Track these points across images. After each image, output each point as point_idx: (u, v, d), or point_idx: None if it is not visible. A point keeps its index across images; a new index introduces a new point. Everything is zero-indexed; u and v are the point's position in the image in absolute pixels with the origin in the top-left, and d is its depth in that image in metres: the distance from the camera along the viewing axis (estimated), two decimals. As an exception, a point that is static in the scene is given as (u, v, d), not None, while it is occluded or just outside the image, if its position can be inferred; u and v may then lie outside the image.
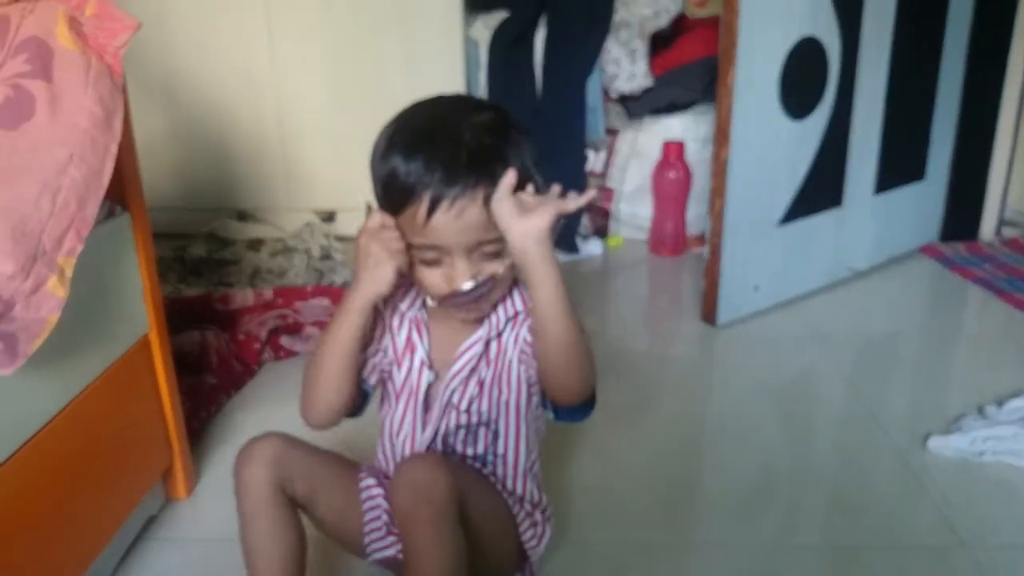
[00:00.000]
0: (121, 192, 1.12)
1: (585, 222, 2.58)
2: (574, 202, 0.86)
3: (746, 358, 1.83)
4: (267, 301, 1.90)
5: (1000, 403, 1.54)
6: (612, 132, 2.56)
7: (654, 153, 2.48)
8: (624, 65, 2.42)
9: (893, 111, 2.15)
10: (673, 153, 2.43)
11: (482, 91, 2.51)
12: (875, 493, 1.34)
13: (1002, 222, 2.52)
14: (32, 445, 0.92)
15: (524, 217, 0.83)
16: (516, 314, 0.95)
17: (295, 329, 1.83)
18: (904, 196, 2.31)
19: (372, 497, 0.99)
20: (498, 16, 2.52)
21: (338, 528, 1.00)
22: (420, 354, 0.97)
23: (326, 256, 2.34)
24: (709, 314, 1.97)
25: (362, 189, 0.95)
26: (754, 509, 1.31)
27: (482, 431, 0.99)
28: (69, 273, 0.90)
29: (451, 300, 0.90)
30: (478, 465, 1.01)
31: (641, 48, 2.42)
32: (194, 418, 1.48)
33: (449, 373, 0.96)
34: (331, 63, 2.44)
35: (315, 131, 2.50)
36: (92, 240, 0.94)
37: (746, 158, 1.85)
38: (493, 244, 0.87)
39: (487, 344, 0.95)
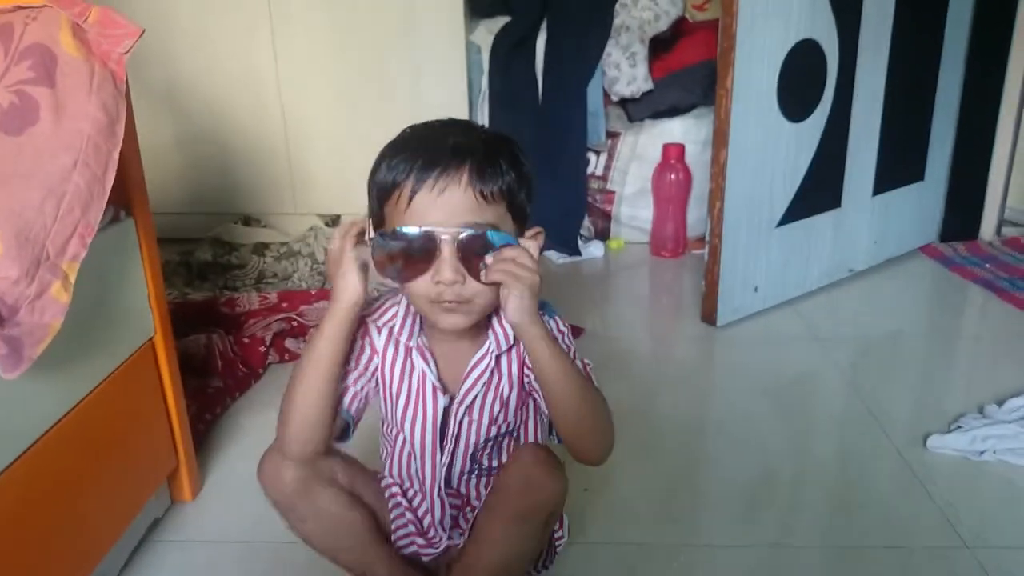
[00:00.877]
0: (126, 197, 1.14)
1: (587, 224, 2.60)
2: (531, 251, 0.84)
3: (746, 358, 1.84)
4: (272, 305, 1.91)
5: (1000, 402, 1.54)
6: (613, 135, 2.57)
7: (654, 156, 2.49)
8: (624, 68, 2.43)
9: (892, 112, 2.15)
10: (673, 155, 2.44)
11: (484, 95, 2.52)
12: (875, 492, 1.35)
13: (1002, 222, 2.53)
14: (37, 448, 0.93)
15: (509, 299, 0.82)
16: None
17: (300, 332, 1.84)
18: (903, 197, 2.31)
19: (393, 496, 1.00)
20: (500, 21, 2.53)
21: (375, 516, 1.00)
22: (431, 379, 0.93)
23: (329, 260, 2.35)
24: (709, 315, 1.97)
25: (367, 194, 0.93)
26: (755, 509, 1.32)
27: (507, 441, 0.98)
28: (73, 278, 0.91)
29: (437, 299, 0.85)
30: (496, 473, 1.00)
31: (641, 52, 2.43)
32: (199, 421, 1.49)
33: (461, 392, 0.93)
34: (335, 68, 2.45)
35: (319, 136, 2.52)
36: (97, 245, 0.95)
37: (745, 160, 1.86)
38: (479, 229, 0.83)
39: (498, 359, 0.93)
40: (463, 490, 0.99)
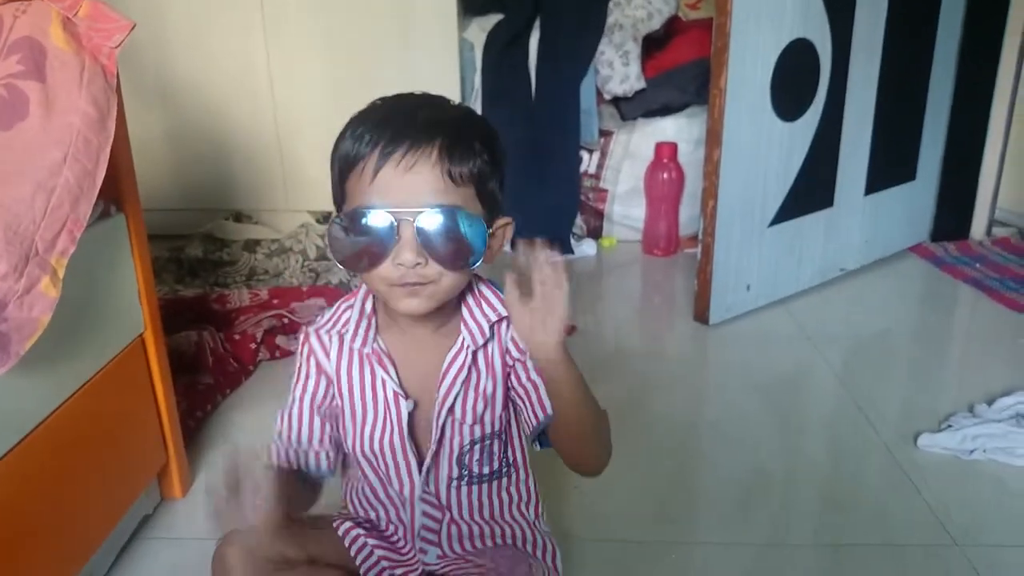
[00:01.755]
0: (116, 193, 1.13)
1: (579, 223, 2.60)
2: (558, 275, 0.76)
3: (738, 357, 1.84)
4: (263, 301, 1.91)
5: (990, 401, 1.55)
6: (606, 134, 2.57)
7: (647, 154, 2.50)
8: (617, 67, 2.43)
9: (884, 112, 2.16)
10: (666, 154, 2.44)
11: (477, 92, 2.52)
12: (866, 491, 1.35)
13: (992, 222, 2.54)
14: (27, 444, 0.93)
15: (539, 333, 0.76)
16: (500, 319, 0.86)
17: (291, 329, 1.84)
18: (895, 196, 2.32)
19: (355, 539, 0.94)
20: (493, 19, 2.53)
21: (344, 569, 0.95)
22: (391, 385, 0.86)
23: (322, 257, 2.35)
24: (701, 313, 1.98)
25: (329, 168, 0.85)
26: (746, 506, 1.32)
27: (496, 444, 0.92)
28: (62, 273, 0.90)
29: (398, 281, 0.78)
30: (495, 483, 0.94)
31: (634, 50, 2.43)
32: (190, 417, 1.49)
33: (440, 394, 0.86)
34: (327, 64, 2.45)
35: (311, 132, 2.51)
36: (87, 240, 0.94)
37: (738, 159, 1.86)
38: (444, 211, 0.77)
39: (474, 355, 0.87)
40: (446, 500, 0.92)
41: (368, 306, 0.87)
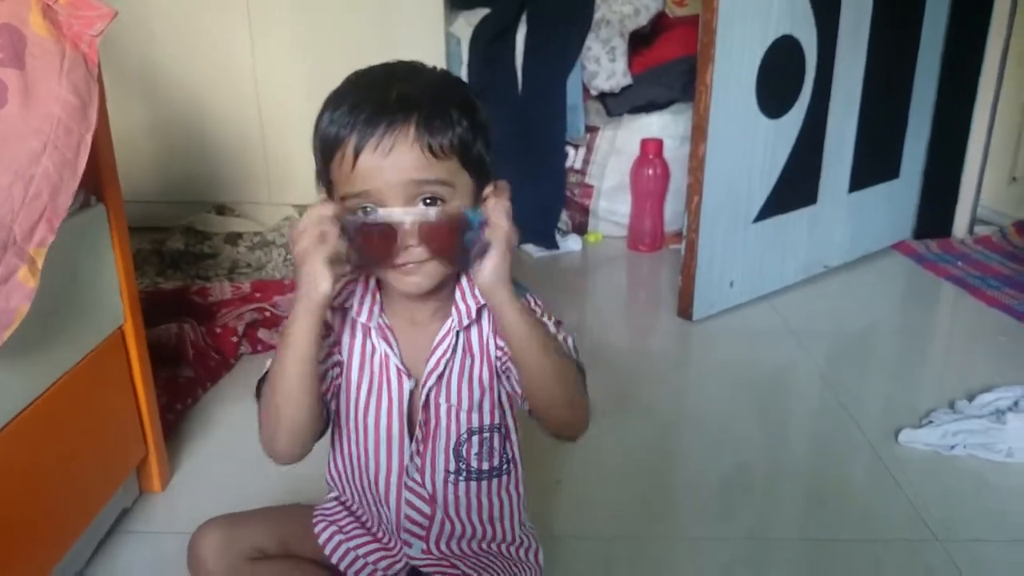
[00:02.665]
0: (97, 183, 1.12)
1: (565, 218, 2.59)
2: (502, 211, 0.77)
3: (721, 353, 1.85)
4: (245, 295, 1.89)
5: (970, 397, 1.56)
6: (592, 129, 2.57)
7: (633, 150, 2.50)
8: (604, 63, 2.43)
9: (868, 110, 2.17)
10: (652, 150, 2.44)
11: (462, 87, 2.51)
12: (848, 486, 1.36)
13: (975, 220, 2.56)
14: (3, 435, 0.92)
15: (483, 258, 0.76)
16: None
17: (273, 323, 1.83)
18: (878, 194, 2.33)
19: (337, 547, 0.95)
20: (480, 13, 2.52)
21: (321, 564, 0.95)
22: (394, 361, 0.86)
23: (304, 251, 2.33)
24: (685, 309, 1.98)
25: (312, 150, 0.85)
26: (730, 501, 1.32)
27: (496, 439, 0.90)
28: (40, 263, 0.89)
29: (396, 263, 0.78)
30: (495, 482, 0.92)
31: (621, 46, 2.43)
32: (170, 411, 1.47)
33: (425, 371, 0.86)
34: (312, 57, 2.43)
35: (295, 125, 2.48)
36: (66, 230, 0.93)
37: (723, 156, 1.86)
38: (433, 186, 0.77)
39: (466, 336, 0.87)
40: (442, 496, 0.90)
41: (372, 282, 0.87)
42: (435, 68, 0.84)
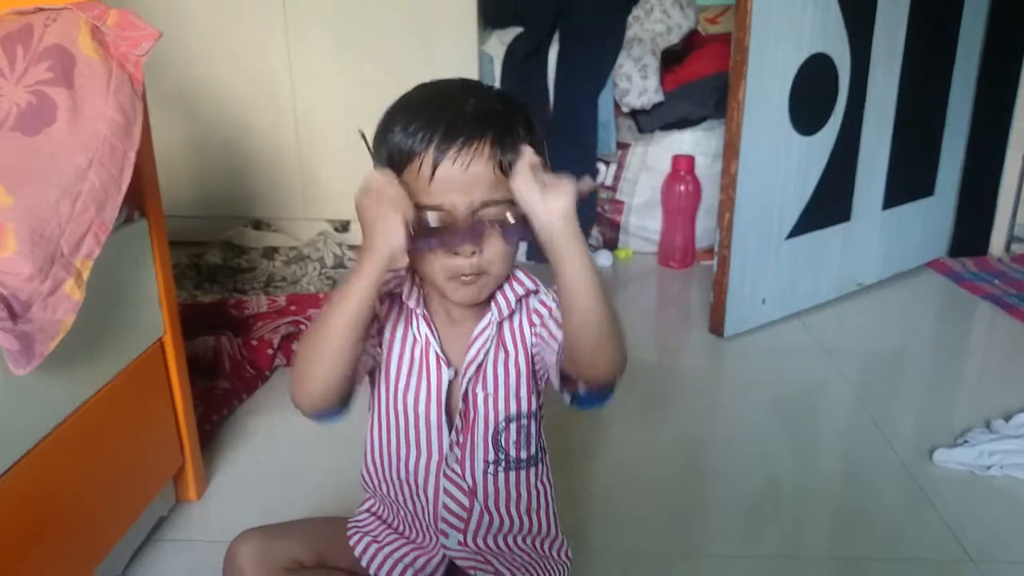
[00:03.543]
0: (139, 198, 1.15)
1: (595, 234, 2.60)
2: (587, 184, 0.80)
3: (753, 370, 1.84)
4: (280, 308, 1.92)
5: (1007, 417, 1.54)
6: (623, 146, 2.58)
7: (664, 167, 2.50)
8: (636, 80, 2.44)
9: (903, 127, 2.15)
10: (683, 167, 2.45)
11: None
12: (881, 505, 1.34)
13: (1012, 238, 2.52)
14: (46, 445, 0.94)
15: (548, 195, 0.77)
16: (527, 293, 0.89)
17: (306, 336, 1.85)
18: (913, 211, 2.31)
19: (373, 556, 0.96)
20: (512, 31, 2.55)
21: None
22: (435, 347, 0.88)
23: (339, 265, 2.37)
24: (717, 326, 1.97)
25: (372, 153, 0.86)
26: (760, 519, 1.32)
27: (532, 425, 0.92)
28: (86, 276, 0.92)
29: (455, 273, 0.81)
30: (532, 471, 0.93)
31: (653, 64, 2.44)
32: (206, 421, 1.50)
33: (464, 361, 0.88)
34: (348, 76, 2.47)
35: (331, 142, 2.53)
36: (110, 244, 0.96)
37: (755, 172, 1.86)
38: (501, 206, 0.80)
39: (501, 327, 0.89)
40: (482, 488, 0.91)
41: (417, 276, 0.89)
42: (493, 87, 0.88)
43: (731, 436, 1.57)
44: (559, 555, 0.99)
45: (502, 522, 0.94)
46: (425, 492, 0.92)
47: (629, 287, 2.44)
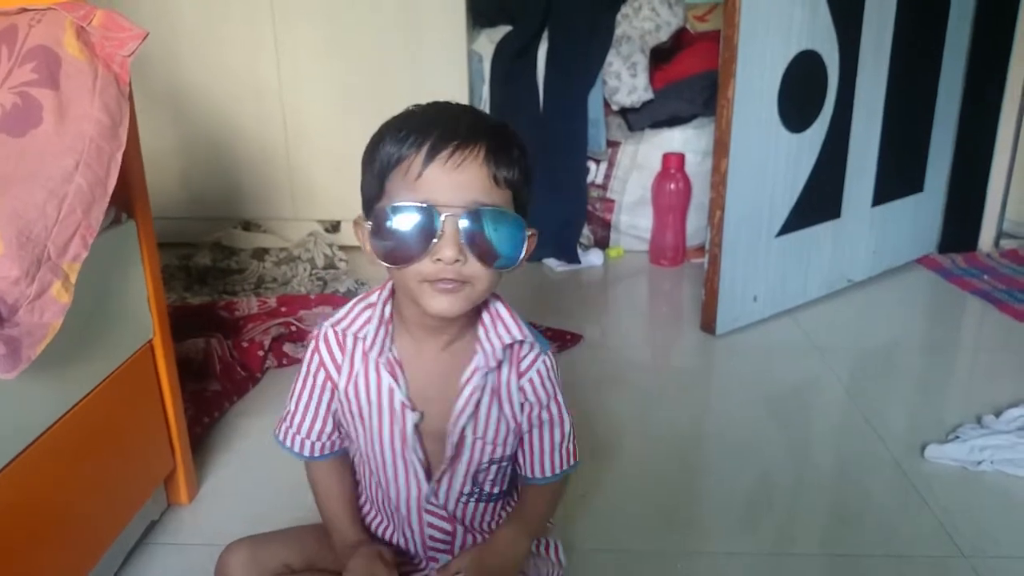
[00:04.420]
0: (127, 200, 1.14)
1: (586, 233, 2.60)
2: None
3: (745, 367, 1.84)
4: (271, 309, 1.92)
5: (998, 412, 1.55)
6: (613, 144, 2.58)
7: (654, 165, 2.50)
8: (625, 78, 2.44)
9: (892, 123, 2.16)
10: (673, 165, 2.45)
11: (485, 103, 2.53)
12: (873, 502, 1.35)
13: (1001, 233, 2.54)
14: (34, 449, 0.93)
15: None
16: (513, 343, 0.86)
17: (298, 337, 1.85)
18: (902, 208, 2.32)
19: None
20: (502, 30, 2.55)
21: None
22: (399, 396, 0.86)
23: (330, 266, 2.36)
24: (708, 324, 1.98)
25: (361, 173, 0.83)
26: (753, 517, 1.32)
27: (510, 467, 0.94)
28: (74, 279, 0.91)
29: (434, 277, 0.77)
30: (500, 502, 0.96)
31: (642, 62, 2.44)
32: (197, 424, 1.49)
33: (455, 412, 0.86)
34: (337, 76, 2.46)
35: (320, 142, 2.52)
36: (98, 247, 0.95)
37: (745, 170, 1.87)
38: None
39: (486, 375, 0.86)
40: (459, 513, 0.93)
41: (387, 311, 0.86)
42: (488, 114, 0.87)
43: (723, 434, 1.57)
44: (548, 555, 1.00)
45: (484, 539, 0.95)
46: (410, 524, 0.94)
47: (620, 285, 2.44)
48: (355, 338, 0.87)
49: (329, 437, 0.93)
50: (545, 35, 2.50)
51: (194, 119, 2.54)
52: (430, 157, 0.75)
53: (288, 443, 0.93)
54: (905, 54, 2.11)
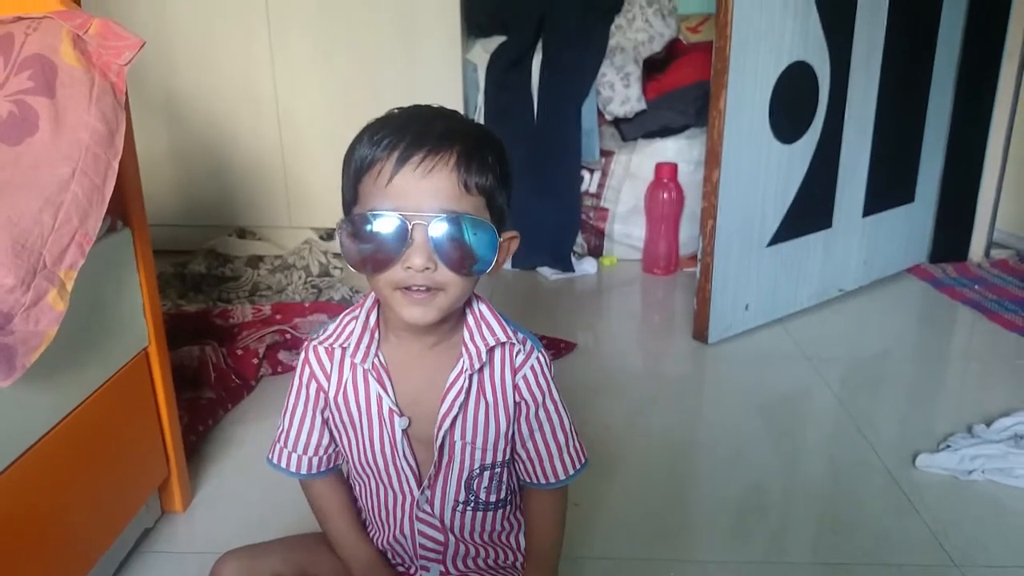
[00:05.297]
0: (123, 208, 1.14)
1: (580, 241, 2.61)
2: None
3: (737, 376, 1.85)
4: (266, 317, 1.92)
5: (989, 422, 1.55)
6: (607, 154, 2.59)
7: (647, 174, 2.52)
8: (618, 89, 2.46)
9: (882, 134, 2.18)
10: (666, 174, 2.46)
11: (480, 113, 2.54)
12: (864, 510, 1.35)
13: (991, 243, 2.55)
14: (29, 456, 0.93)
15: None
16: (500, 344, 0.86)
17: (293, 345, 1.85)
18: (893, 218, 2.34)
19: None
20: (496, 40, 2.56)
21: None
22: (387, 403, 0.86)
23: (324, 273, 2.36)
24: (700, 332, 1.98)
25: (341, 175, 0.84)
26: (745, 525, 1.32)
27: (504, 473, 0.92)
28: (70, 287, 0.91)
29: (405, 283, 0.77)
30: (500, 512, 0.94)
31: (635, 72, 2.46)
32: (191, 432, 1.49)
33: (440, 414, 0.85)
34: (332, 83, 2.47)
35: (315, 150, 2.53)
36: (93, 254, 0.95)
37: (737, 180, 1.88)
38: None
39: (478, 379, 0.86)
40: (450, 523, 0.92)
41: (372, 319, 0.87)
42: (471, 119, 0.86)
43: (715, 442, 1.58)
44: None
45: (478, 551, 0.95)
46: (402, 531, 0.93)
47: (614, 294, 2.45)
48: (341, 349, 0.87)
49: (325, 451, 0.93)
50: (540, 45, 2.52)
51: (190, 127, 2.54)
52: (400, 163, 0.75)
53: (283, 464, 0.93)
54: (896, 65, 2.13)
